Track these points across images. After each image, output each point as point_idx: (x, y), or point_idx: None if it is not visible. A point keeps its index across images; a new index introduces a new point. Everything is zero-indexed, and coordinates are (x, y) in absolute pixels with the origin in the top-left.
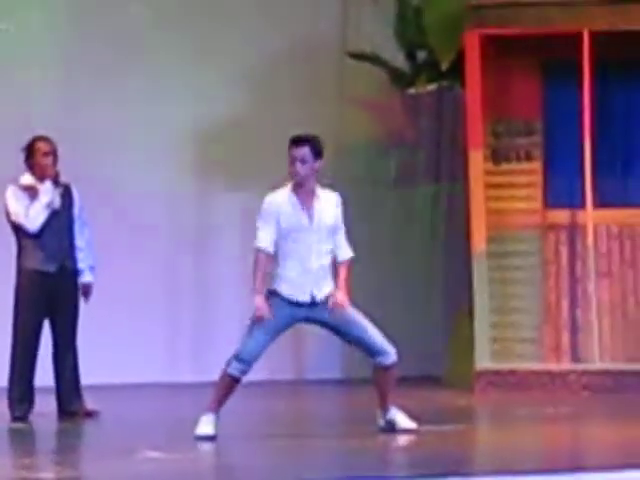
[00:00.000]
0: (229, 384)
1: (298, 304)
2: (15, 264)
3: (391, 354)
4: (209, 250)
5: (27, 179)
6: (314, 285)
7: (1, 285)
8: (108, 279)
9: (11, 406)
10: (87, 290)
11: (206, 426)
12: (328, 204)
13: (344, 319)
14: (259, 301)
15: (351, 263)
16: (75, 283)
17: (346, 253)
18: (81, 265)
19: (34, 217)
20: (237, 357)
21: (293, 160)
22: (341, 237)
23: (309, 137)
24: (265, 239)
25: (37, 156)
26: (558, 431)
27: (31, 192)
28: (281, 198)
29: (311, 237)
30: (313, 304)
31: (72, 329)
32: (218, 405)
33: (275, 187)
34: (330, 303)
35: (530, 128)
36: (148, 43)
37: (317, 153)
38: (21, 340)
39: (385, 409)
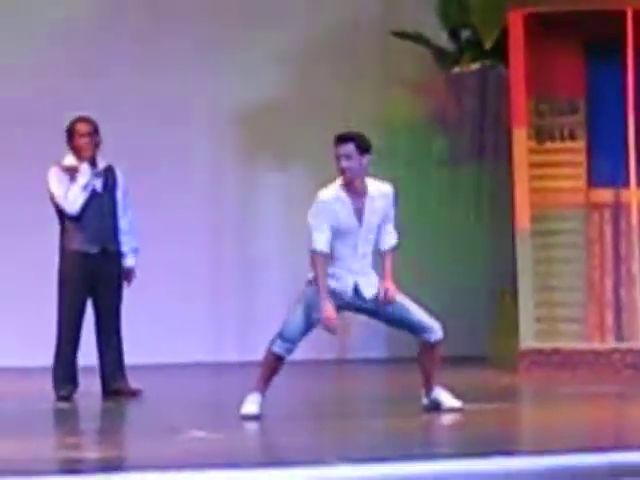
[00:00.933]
0: (273, 363)
1: (341, 295)
2: (58, 246)
3: (437, 330)
4: (253, 230)
5: (69, 160)
6: (357, 276)
7: (47, 266)
8: (152, 260)
9: (56, 386)
10: (129, 274)
11: (251, 405)
12: (379, 201)
13: (388, 305)
14: (329, 310)
15: (395, 249)
16: (118, 265)
17: (391, 241)
18: (124, 248)
19: (73, 199)
20: (281, 336)
21: (339, 157)
22: (389, 226)
23: (353, 134)
24: (322, 240)
25: (75, 137)
26: (602, 410)
27: (72, 173)
28: (333, 197)
29: (358, 237)
30: (356, 293)
31: (116, 310)
32: (264, 384)
33: (319, 169)
34: (381, 296)
35: (574, 107)
36: (194, 18)
37: (363, 149)
38: (65, 321)
39: (430, 388)
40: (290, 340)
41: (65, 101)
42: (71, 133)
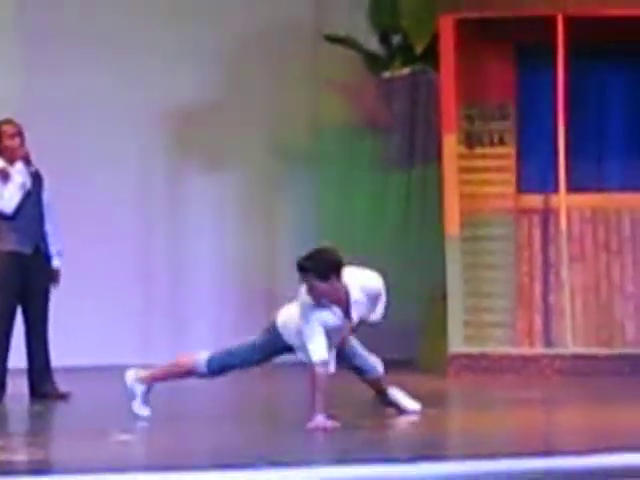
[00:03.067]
0: (188, 374)
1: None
2: None
3: (378, 369)
4: (183, 232)
5: None
6: None
7: None
8: (80, 261)
9: None
10: (56, 275)
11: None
12: (363, 298)
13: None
14: (321, 422)
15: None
16: (47, 266)
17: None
18: (51, 250)
19: (9, 199)
20: (218, 359)
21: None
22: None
23: (308, 263)
24: (321, 348)
25: (4, 139)
26: (530, 415)
27: (2, 174)
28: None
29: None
30: None
31: (44, 312)
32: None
33: (250, 171)
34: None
35: (504, 112)
36: (118, 24)
37: (323, 276)
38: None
39: (383, 393)
40: (222, 366)
41: None
42: None
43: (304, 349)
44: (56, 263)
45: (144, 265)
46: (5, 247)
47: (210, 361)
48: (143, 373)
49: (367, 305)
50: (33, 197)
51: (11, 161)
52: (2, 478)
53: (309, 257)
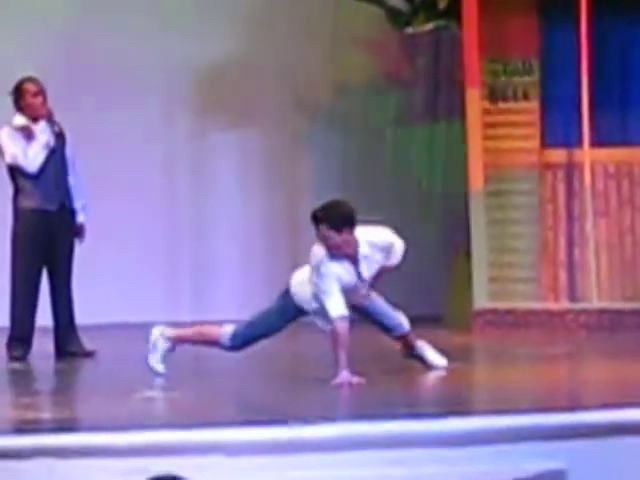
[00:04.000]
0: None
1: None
2: (11, 206)
3: (404, 326)
4: (207, 189)
5: (20, 120)
6: None
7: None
8: (105, 220)
9: (9, 346)
10: (81, 230)
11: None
12: (373, 254)
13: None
14: (347, 377)
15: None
16: (72, 222)
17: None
18: (75, 205)
19: (33, 157)
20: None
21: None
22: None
23: (322, 214)
24: (339, 304)
25: (27, 97)
26: (556, 370)
27: (26, 132)
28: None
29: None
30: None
31: (68, 270)
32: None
33: (273, 130)
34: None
35: (527, 67)
36: None
37: (337, 226)
38: (22, 282)
39: (411, 346)
40: (245, 339)
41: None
42: (21, 93)
43: (319, 311)
44: (80, 218)
45: (169, 223)
46: (30, 204)
47: (234, 336)
48: (169, 331)
49: (379, 260)
50: (57, 155)
51: (34, 119)
52: (29, 436)
53: (323, 208)
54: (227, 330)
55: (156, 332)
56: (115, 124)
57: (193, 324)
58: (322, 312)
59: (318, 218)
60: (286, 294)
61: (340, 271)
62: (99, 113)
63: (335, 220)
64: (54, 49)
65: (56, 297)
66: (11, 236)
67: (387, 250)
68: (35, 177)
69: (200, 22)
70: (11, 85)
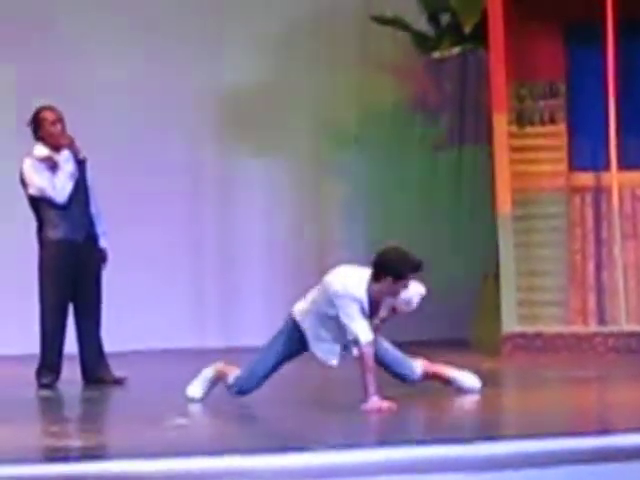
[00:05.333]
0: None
1: None
2: (37, 238)
3: (417, 372)
4: (234, 215)
5: (41, 150)
6: None
7: (27, 255)
8: (131, 246)
9: (39, 374)
10: (104, 255)
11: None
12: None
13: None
14: (377, 403)
15: None
16: (98, 251)
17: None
18: (97, 230)
19: (61, 188)
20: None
21: None
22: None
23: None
24: (366, 329)
25: (46, 126)
26: (585, 394)
27: (50, 163)
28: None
29: None
30: None
31: (97, 297)
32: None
33: (299, 155)
34: None
35: (554, 90)
36: (167, 9)
37: (399, 277)
38: (50, 311)
39: (447, 381)
40: (254, 381)
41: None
42: (39, 122)
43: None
44: (103, 243)
45: (195, 250)
46: (57, 236)
47: (236, 380)
48: (221, 365)
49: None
50: (80, 183)
51: (55, 148)
52: (57, 464)
53: (395, 257)
54: (234, 375)
55: (208, 368)
56: (142, 153)
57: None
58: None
59: (385, 268)
60: (289, 324)
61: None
62: (127, 142)
63: (401, 276)
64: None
65: (83, 325)
66: (38, 266)
67: (407, 299)
68: (63, 208)
69: (227, 49)
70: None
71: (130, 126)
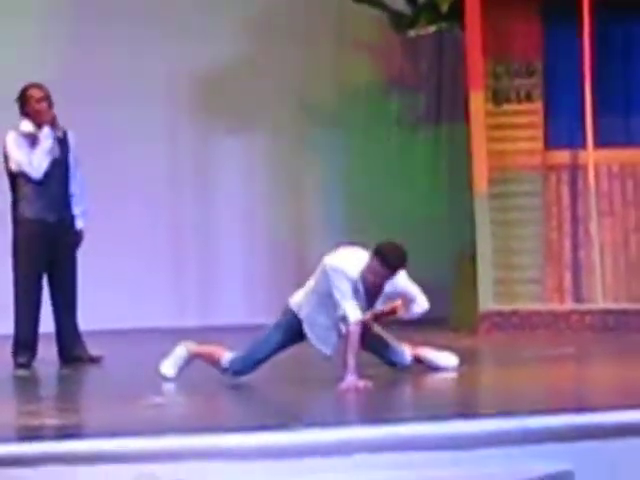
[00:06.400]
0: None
1: None
2: (12, 215)
3: (406, 358)
4: (212, 194)
5: (27, 126)
6: None
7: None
8: (109, 224)
9: (15, 353)
10: (78, 237)
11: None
12: (393, 295)
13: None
14: (352, 382)
15: None
16: (72, 231)
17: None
18: (74, 210)
19: (38, 164)
20: (243, 358)
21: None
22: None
23: (382, 249)
24: (355, 308)
25: (31, 103)
26: (562, 371)
27: (31, 139)
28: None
29: None
30: None
31: (71, 276)
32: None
33: (277, 133)
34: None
35: (530, 68)
36: None
37: (390, 268)
38: (24, 289)
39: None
40: (250, 364)
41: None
42: (26, 99)
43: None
44: (79, 224)
45: (174, 227)
46: (29, 214)
47: (232, 363)
48: (192, 345)
49: (392, 301)
50: (60, 162)
51: (39, 125)
52: (34, 443)
53: (387, 247)
54: (227, 357)
55: (181, 346)
56: (119, 130)
57: (213, 342)
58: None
59: (381, 257)
60: (286, 312)
61: (355, 293)
62: (102, 119)
63: (393, 269)
64: (56, 56)
65: (60, 303)
66: (12, 244)
67: (408, 300)
68: (39, 184)
69: (202, 26)
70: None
71: (106, 106)
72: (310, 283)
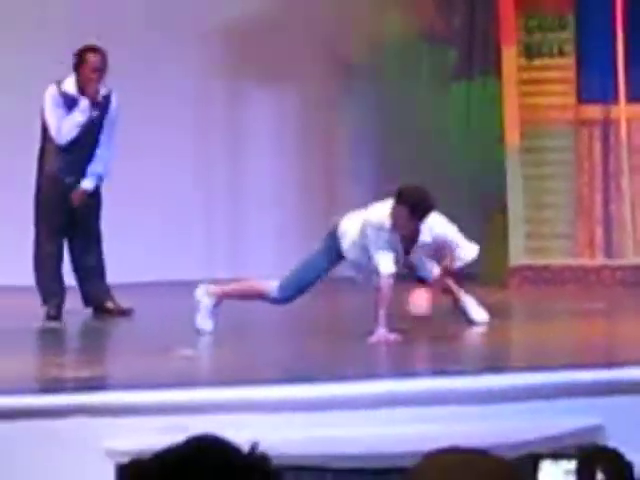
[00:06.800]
0: (259, 297)
1: None
2: (37, 164)
3: (433, 272)
4: (242, 148)
5: (70, 84)
6: None
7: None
8: (140, 180)
9: (45, 303)
10: (78, 195)
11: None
12: (432, 244)
13: None
14: (383, 335)
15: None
16: (93, 194)
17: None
18: (88, 169)
19: (65, 133)
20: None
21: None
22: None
23: (405, 197)
24: (391, 263)
25: (86, 69)
26: (593, 326)
27: (70, 102)
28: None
29: None
30: None
31: (95, 232)
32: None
33: (308, 87)
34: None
35: (562, 23)
36: None
37: (414, 214)
38: (45, 239)
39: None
40: (300, 289)
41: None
42: (81, 62)
43: (358, 264)
44: (86, 184)
45: (204, 181)
46: (50, 170)
47: (282, 287)
48: (213, 288)
49: (432, 249)
50: (92, 126)
51: (82, 91)
52: (63, 395)
53: (410, 192)
54: (274, 284)
55: (200, 291)
56: (148, 86)
57: (234, 280)
58: (361, 265)
59: (402, 199)
60: (332, 235)
61: (391, 242)
62: (130, 77)
63: (415, 209)
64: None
65: (84, 261)
66: (35, 194)
67: (449, 247)
68: (63, 145)
69: None
70: None
71: (135, 63)
72: (355, 222)
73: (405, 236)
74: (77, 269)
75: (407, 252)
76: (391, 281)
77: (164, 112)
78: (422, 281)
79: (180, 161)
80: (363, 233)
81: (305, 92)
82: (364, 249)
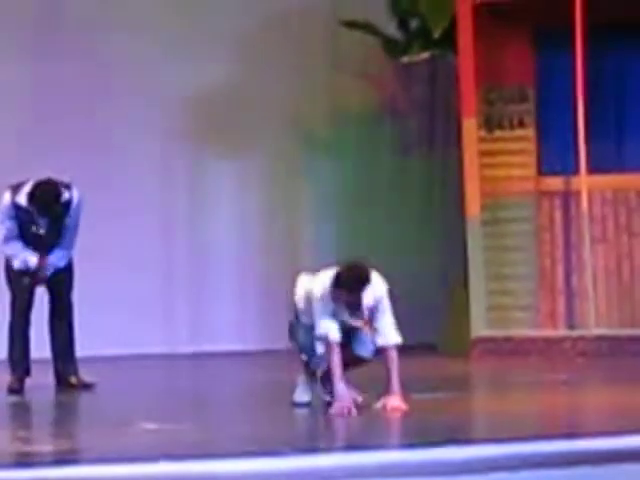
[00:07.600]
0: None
1: None
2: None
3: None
4: (205, 216)
5: (23, 198)
6: None
7: None
8: (103, 252)
9: (12, 372)
10: (46, 267)
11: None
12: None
13: None
14: (345, 398)
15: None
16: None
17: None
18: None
19: (23, 259)
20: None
21: None
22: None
23: (340, 280)
24: (334, 329)
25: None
26: (555, 397)
27: (23, 214)
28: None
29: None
30: None
31: (67, 303)
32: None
33: (270, 156)
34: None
35: (523, 95)
36: (138, 9)
37: (353, 292)
38: (17, 315)
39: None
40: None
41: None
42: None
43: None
44: (59, 263)
45: (166, 252)
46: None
47: (314, 365)
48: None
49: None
50: (49, 233)
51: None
52: (27, 470)
53: (342, 273)
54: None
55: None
56: (112, 154)
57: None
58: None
59: (339, 284)
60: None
61: (336, 311)
62: (96, 147)
63: (353, 289)
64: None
65: (54, 329)
66: (5, 272)
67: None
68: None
69: (197, 51)
70: None
71: (102, 125)
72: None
73: (349, 303)
74: (51, 344)
75: (353, 314)
76: (335, 346)
77: (126, 180)
78: (359, 361)
79: (142, 231)
80: (308, 302)
81: (267, 162)
82: (312, 316)
